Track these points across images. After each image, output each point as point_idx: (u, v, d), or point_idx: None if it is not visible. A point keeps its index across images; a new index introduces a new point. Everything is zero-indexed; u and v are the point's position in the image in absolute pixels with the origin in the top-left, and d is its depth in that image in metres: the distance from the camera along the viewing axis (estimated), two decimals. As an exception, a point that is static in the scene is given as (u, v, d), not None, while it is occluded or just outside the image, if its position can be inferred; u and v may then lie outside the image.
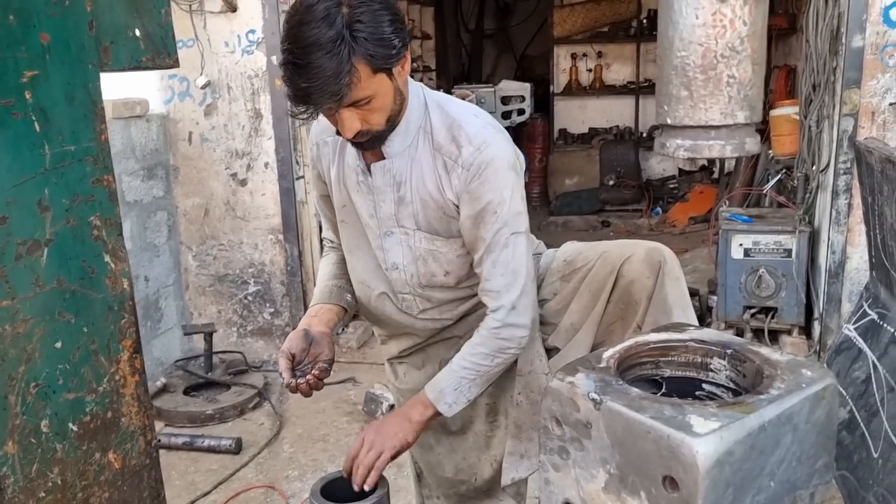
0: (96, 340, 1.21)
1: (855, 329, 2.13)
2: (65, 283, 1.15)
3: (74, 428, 1.18)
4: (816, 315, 3.73)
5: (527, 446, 1.76)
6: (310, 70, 1.36)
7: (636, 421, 0.90)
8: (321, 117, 1.58)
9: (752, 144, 3.26)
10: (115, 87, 3.64)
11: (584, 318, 1.72)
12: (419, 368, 1.92)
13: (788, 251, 3.78)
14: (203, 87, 3.73)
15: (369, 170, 1.61)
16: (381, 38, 1.38)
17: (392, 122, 1.52)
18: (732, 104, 3.11)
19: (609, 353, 1.08)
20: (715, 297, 4.10)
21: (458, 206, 1.58)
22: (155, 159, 3.76)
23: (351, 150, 1.63)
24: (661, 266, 1.57)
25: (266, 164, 3.84)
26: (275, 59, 3.65)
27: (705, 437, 0.84)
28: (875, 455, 1.77)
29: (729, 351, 1.08)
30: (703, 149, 3.22)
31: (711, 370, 1.09)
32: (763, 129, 5.08)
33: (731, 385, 1.07)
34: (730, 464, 0.86)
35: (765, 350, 1.06)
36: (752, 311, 3.89)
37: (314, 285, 4.03)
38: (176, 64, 1.41)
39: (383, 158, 1.59)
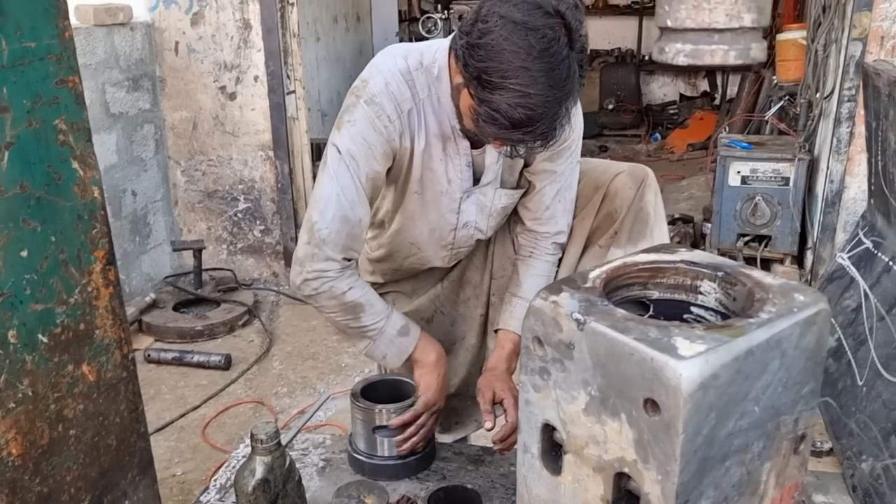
0: (65, 250, 1.17)
1: (848, 258, 2.10)
2: (28, 189, 1.09)
3: (44, 339, 1.15)
4: (810, 244, 3.70)
5: None
6: (545, 122, 1.23)
7: (619, 342, 0.87)
8: (379, 81, 1.48)
9: (757, 51, 3.07)
10: (96, -9, 3.49)
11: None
12: (409, 296, 1.92)
13: (786, 179, 3.73)
14: (189, -5, 3.57)
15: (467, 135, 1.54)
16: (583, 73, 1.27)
17: None
18: (739, 5, 2.89)
19: (595, 273, 1.04)
20: (709, 225, 4.06)
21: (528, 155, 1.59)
22: (140, 70, 3.64)
23: (433, 114, 1.52)
24: (643, 179, 1.63)
25: (256, 78, 3.72)
26: (264, -34, 3.49)
27: (690, 359, 0.81)
28: (860, 383, 1.76)
29: (720, 273, 1.04)
30: (704, 54, 3.03)
31: (701, 293, 1.06)
32: (769, 55, 4.94)
33: (721, 309, 1.04)
34: (714, 388, 0.83)
35: (757, 273, 1.02)
36: (746, 239, 3.86)
37: (305, 204, 4.03)
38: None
39: None
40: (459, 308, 1.92)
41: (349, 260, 1.57)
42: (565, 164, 1.61)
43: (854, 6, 3.22)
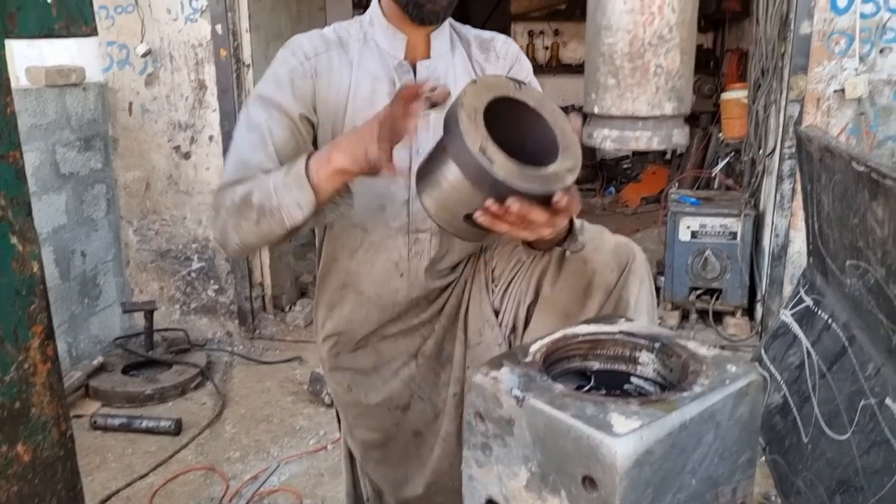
0: (2, 327, 1.15)
1: (791, 315, 2.15)
2: (-37, 268, 1.08)
3: (-24, 420, 1.12)
4: (759, 297, 3.80)
5: None
6: None
7: (557, 419, 0.88)
8: (302, 35, 1.49)
9: (679, 136, 3.18)
10: (49, 53, 3.49)
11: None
12: (369, 374, 1.70)
13: (734, 234, 3.84)
14: (143, 56, 3.59)
15: (413, 69, 1.49)
16: None
17: None
18: (660, 95, 3.02)
19: (536, 347, 1.05)
20: (662, 278, 4.14)
21: None
22: (92, 130, 3.62)
23: (374, 58, 1.48)
24: (628, 263, 1.40)
25: (210, 138, 3.72)
26: (219, 29, 3.54)
27: (624, 437, 0.83)
28: (805, 440, 1.79)
29: (657, 345, 1.06)
30: (629, 140, 3.14)
31: (640, 364, 1.08)
32: (714, 112, 5.12)
33: (659, 379, 1.06)
34: (649, 463, 0.84)
35: (692, 344, 1.04)
36: (698, 292, 3.95)
37: (260, 262, 4.01)
38: (94, 32, 1.33)
39: (427, 58, 1.51)
40: (441, 391, 1.68)
41: None
42: None
43: (790, 69, 3.39)
